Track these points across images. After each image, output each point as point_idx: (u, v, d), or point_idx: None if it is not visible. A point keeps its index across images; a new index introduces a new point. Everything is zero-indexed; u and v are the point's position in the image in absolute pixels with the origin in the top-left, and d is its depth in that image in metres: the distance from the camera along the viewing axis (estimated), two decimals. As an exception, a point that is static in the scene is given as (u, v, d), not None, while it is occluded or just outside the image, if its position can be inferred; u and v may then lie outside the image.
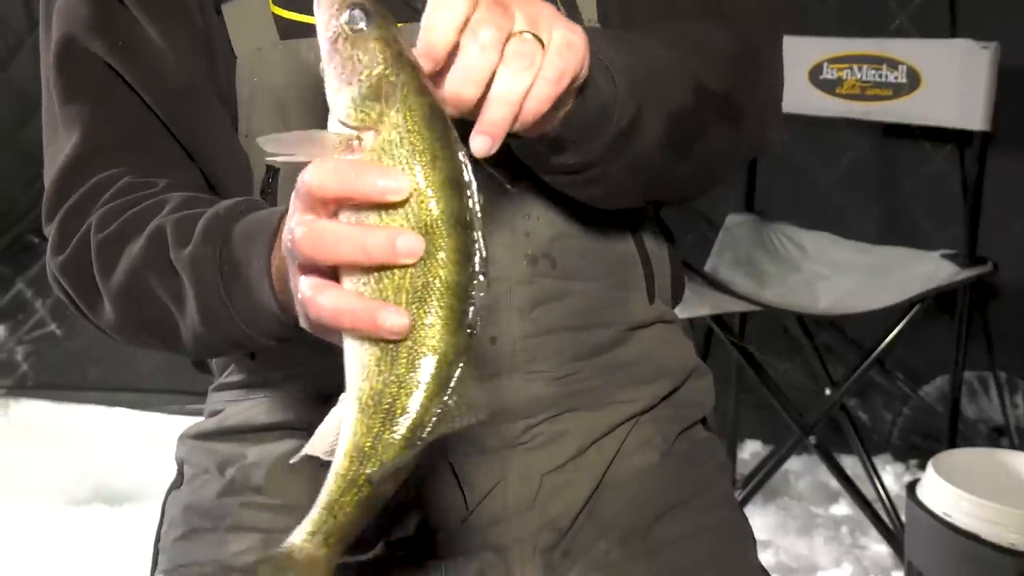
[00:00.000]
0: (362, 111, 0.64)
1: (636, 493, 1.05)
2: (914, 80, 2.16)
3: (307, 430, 1.00)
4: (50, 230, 0.97)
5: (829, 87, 2.24)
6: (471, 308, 0.64)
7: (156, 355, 2.94)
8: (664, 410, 1.08)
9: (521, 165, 0.97)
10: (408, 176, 0.63)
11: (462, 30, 0.67)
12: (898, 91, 2.18)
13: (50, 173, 0.99)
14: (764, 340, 2.46)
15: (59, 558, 2.40)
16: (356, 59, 0.65)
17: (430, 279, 0.63)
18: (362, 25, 0.65)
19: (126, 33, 0.97)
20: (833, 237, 2.38)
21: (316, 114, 0.94)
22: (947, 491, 1.69)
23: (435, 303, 0.64)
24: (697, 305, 1.88)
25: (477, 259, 0.64)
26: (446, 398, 0.64)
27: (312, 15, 0.93)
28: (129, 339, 0.96)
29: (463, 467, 1.00)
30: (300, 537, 0.67)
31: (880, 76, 2.19)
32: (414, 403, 0.64)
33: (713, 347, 2.30)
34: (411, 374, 0.64)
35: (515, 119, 0.70)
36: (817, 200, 2.47)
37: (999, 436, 2.51)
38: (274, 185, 0.97)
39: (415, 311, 0.63)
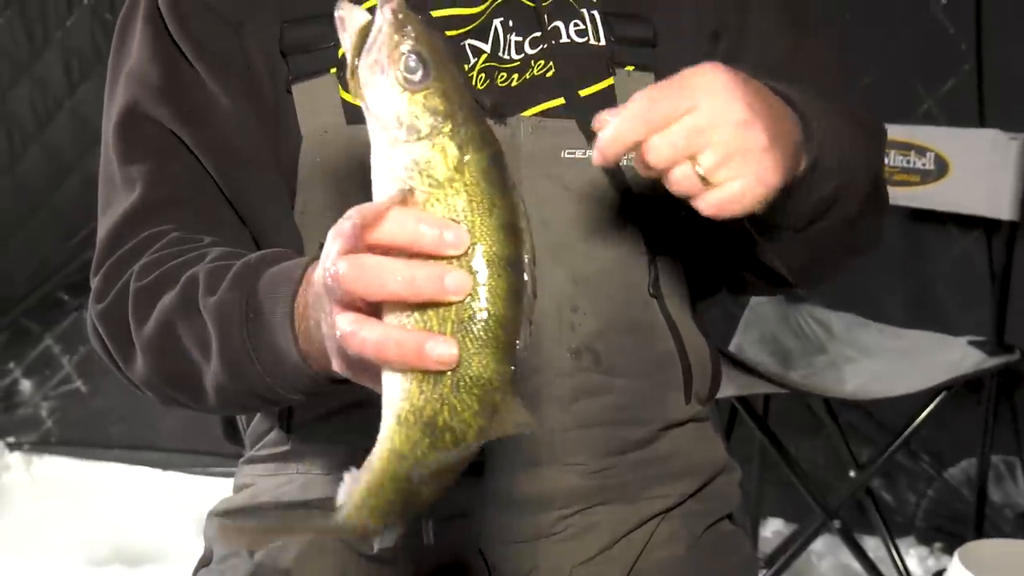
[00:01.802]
0: (425, 174, 0.62)
1: (663, 587, 1.05)
2: (942, 167, 2.17)
3: (338, 511, 1.02)
4: (95, 281, 0.99)
5: (857, 171, 2.26)
6: (516, 343, 0.63)
7: (180, 415, 2.95)
8: (692, 505, 1.09)
9: (575, 250, 0.99)
10: (463, 224, 0.62)
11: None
12: (926, 178, 2.19)
13: (104, 229, 1.01)
14: (788, 417, 2.45)
15: (77, 620, 2.39)
16: (414, 116, 0.62)
17: (476, 312, 0.62)
18: (419, 76, 0.62)
19: (195, 99, 1.00)
20: (859, 319, 2.38)
21: (373, 196, 0.97)
22: (974, 584, 1.67)
23: (480, 333, 0.62)
24: (723, 385, 1.88)
25: (525, 300, 0.63)
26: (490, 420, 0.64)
27: None
28: (158, 394, 0.96)
29: (494, 556, 1.00)
30: (350, 505, 0.66)
31: (908, 162, 2.20)
32: (456, 417, 0.63)
33: (736, 424, 2.29)
34: (454, 395, 0.62)
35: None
36: (842, 280, 2.47)
37: (1025, 521, 2.48)
38: None
39: (460, 340, 0.62)
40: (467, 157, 0.62)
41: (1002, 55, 2.26)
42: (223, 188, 1.00)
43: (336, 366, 0.70)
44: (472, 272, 0.62)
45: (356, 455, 1.00)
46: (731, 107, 0.74)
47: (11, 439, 3.13)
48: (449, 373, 0.62)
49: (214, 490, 2.81)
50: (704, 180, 0.74)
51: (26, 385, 3.15)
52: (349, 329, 0.63)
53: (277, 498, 1.06)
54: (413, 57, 0.62)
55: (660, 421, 1.06)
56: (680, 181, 0.74)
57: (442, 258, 0.62)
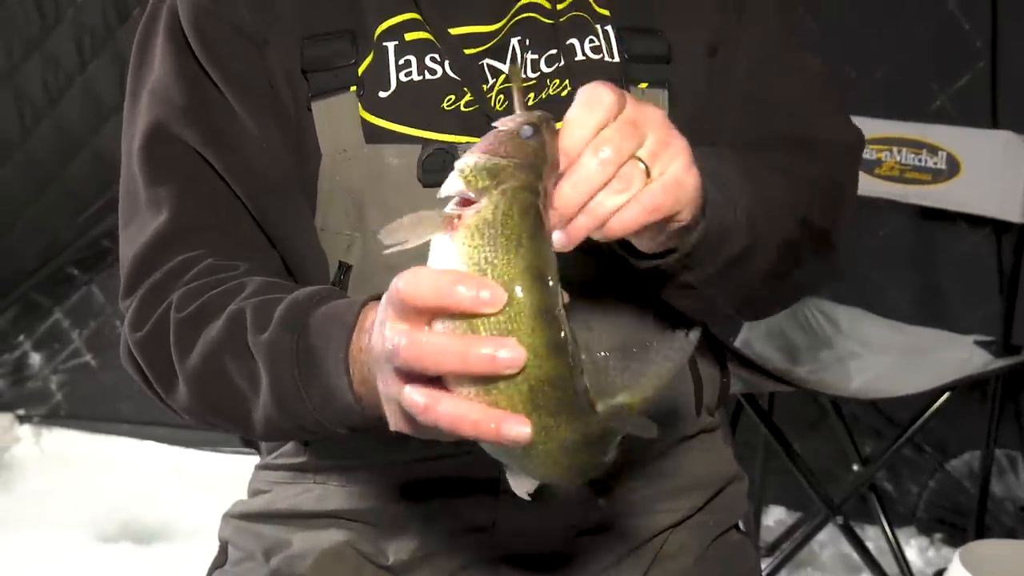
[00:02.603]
0: (474, 175, 0.69)
1: (671, 599, 1.07)
2: (953, 167, 2.17)
3: (355, 520, 1.04)
4: (128, 305, 0.98)
5: (868, 167, 2.24)
6: (582, 392, 0.68)
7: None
8: (701, 517, 1.11)
9: (587, 270, 1.00)
10: (493, 258, 0.67)
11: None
12: (937, 177, 2.19)
13: (131, 250, 1.00)
14: (793, 407, 2.46)
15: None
16: (503, 147, 0.70)
17: (533, 383, 0.66)
18: (525, 136, 0.71)
19: (221, 122, 0.99)
20: (866, 314, 2.38)
21: (391, 215, 0.96)
22: (974, 585, 1.69)
23: (546, 403, 0.66)
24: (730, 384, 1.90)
25: (570, 347, 0.67)
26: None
27: (398, 123, 0.99)
28: (200, 420, 0.97)
29: (506, 569, 1.02)
30: None
31: (920, 161, 2.20)
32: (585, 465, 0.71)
33: (741, 414, 2.30)
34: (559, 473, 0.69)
35: (599, 230, 0.74)
36: (851, 274, 2.47)
37: (1026, 515, 2.50)
38: (345, 281, 0.99)
39: (531, 411, 0.66)
40: (513, 188, 0.68)
41: (1017, 56, 2.25)
42: (251, 211, 1.00)
43: (395, 426, 0.72)
44: (510, 321, 0.65)
45: (372, 468, 1.03)
46: (647, 107, 0.76)
47: (21, 412, 3.15)
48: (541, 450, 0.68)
49: (222, 467, 2.85)
50: (647, 173, 0.75)
51: (36, 358, 3.16)
52: (422, 403, 0.66)
53: (295, 507, 1.08)
54: (531, 129, 0.71)
55: (671, 435, 1.08)
56: (627, 175, 0.74)
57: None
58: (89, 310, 3.09)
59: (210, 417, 0.95)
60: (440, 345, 0.65)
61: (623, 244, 0.86)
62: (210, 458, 2.95)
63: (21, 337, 3.15)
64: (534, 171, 0.70)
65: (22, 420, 3.15)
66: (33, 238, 3.05)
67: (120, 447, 3.05)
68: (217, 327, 0.90)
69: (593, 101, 0.72)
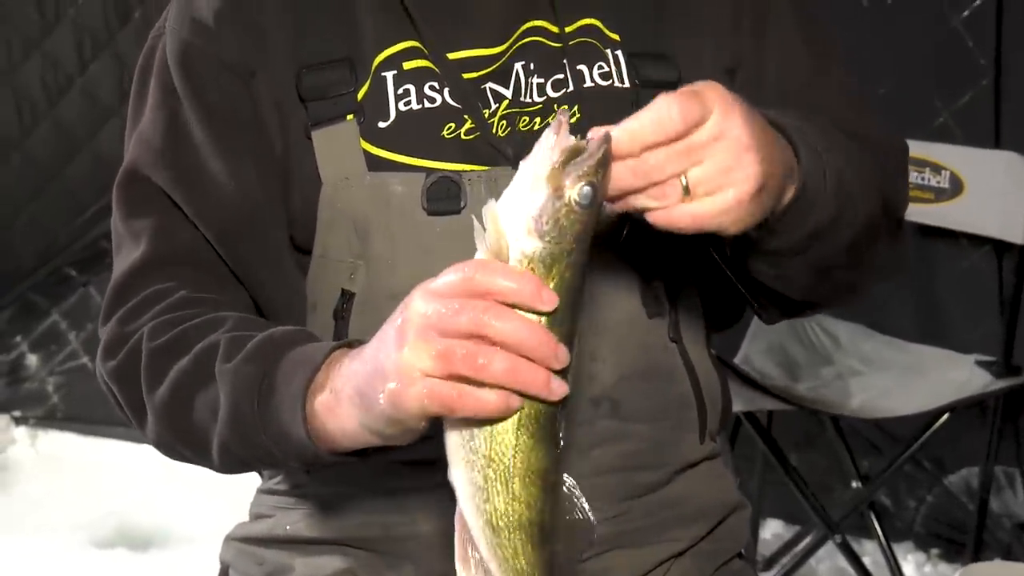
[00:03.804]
0: (528, 265, 0.72)
1: (673, 628, 1.07)
2: (957, 187, 2.17)
3: (357, 547, 1.03)
4: (104, 333, 1.01)
5: (870, 184, 2.25)
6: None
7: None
8: (704, 546, 1.10)
9: (594, 302, 0.99)
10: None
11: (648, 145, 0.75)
12: (940, 196, 2.18)
13: (114, 277, 1.03)
14: (791, 421, 2.46)
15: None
16: (560, 225, 0.72)
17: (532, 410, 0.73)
18: (585, 203, 0.71)
19: (193, 164, 1.01)
20: (867, 330, 2.38)
21: (396, 243, 0.98)
22: (972, 610, 1.68)
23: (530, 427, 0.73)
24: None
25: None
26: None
27: (399, 153, 0.99)
28: (167, 450, 0.99)
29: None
30: None
31: (923, 179, 2.20)
32: (536, 515, 0.75)
33: (741, 427, 2.30)
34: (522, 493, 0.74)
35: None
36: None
37: (1023, 532, 2.50)
38: (348, 309, 1.00)
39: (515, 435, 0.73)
40: (566, 275, 0.73)
41: (1020, 74, 2.25)
42: (220, 253, 1.02)
43: (388, 402, 0.74)
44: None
45: (372, 495, 1.03)
46: (733, 124, 0.76)
47: (17, 413, 3.15)
48: (516, 474, 0.73)
49: (218, 473, 2.83)
50: (686, 191, 0.76)
51: (32, 360, 3.16)
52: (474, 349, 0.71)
53: (296, 533, 1.07)
54: (589, 190, 0.71)
55: (675, 464, 1.07)
56: (663, 189, 0.76)
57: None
58: (86, 312, 3.09)
59: (178, 446, 0.97)
60: (529, 326, 0.71)
61: None
62: (204, 463, 2.94)
63: (18, 338, 3.15)
64: (587, 246, 0.73)
65: (18, 422, 3.14)
66: (31, 238, 3.05)
67: (116, 450, 3.04)
68: (187, 359, 0.92)
69: (659, 121, 0.75)
